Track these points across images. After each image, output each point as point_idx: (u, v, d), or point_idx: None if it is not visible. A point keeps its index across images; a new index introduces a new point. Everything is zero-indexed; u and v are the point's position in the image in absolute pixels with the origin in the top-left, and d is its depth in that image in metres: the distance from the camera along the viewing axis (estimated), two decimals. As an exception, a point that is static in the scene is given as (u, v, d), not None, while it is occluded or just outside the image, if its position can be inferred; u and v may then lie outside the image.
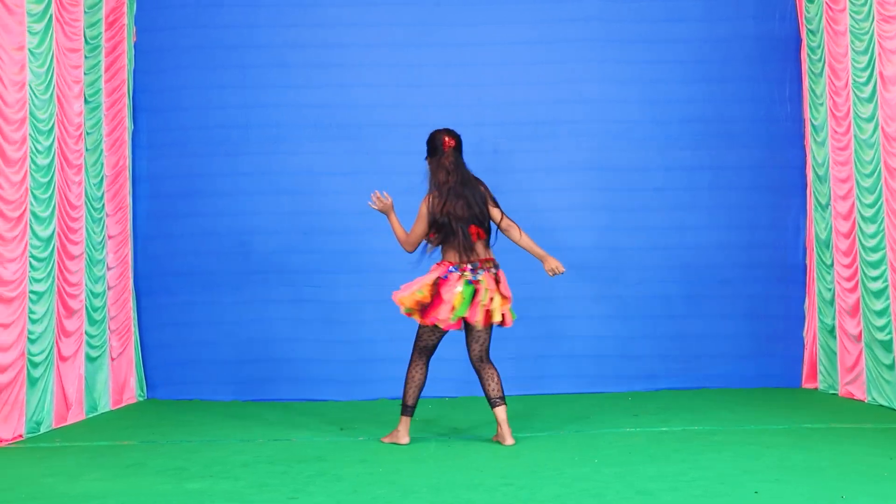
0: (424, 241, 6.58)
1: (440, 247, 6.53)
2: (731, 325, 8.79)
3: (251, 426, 7.29)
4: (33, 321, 6.93)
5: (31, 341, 6.90)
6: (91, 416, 7.76)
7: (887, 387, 7.50)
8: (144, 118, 8.76)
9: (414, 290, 6.41)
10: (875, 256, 7.58)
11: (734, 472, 5.47)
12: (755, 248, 8.82)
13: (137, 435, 6.97)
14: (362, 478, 5.51)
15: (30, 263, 6.90)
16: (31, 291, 6.91)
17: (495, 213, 6.57)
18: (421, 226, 6.51)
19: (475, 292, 6.39)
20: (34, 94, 6.98)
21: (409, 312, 6.46)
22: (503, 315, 6.44)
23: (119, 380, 8.30)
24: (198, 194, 8.74)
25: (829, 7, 8.14)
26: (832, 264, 8.28)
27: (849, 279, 7.98)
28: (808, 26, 8.63)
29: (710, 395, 8.38)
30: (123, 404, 8.34)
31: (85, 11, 7.72)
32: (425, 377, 6.57)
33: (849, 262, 7.98)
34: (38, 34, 7.02)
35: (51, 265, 7.16)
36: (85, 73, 7.75)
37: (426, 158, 6.62)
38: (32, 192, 6.96)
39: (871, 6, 7.47)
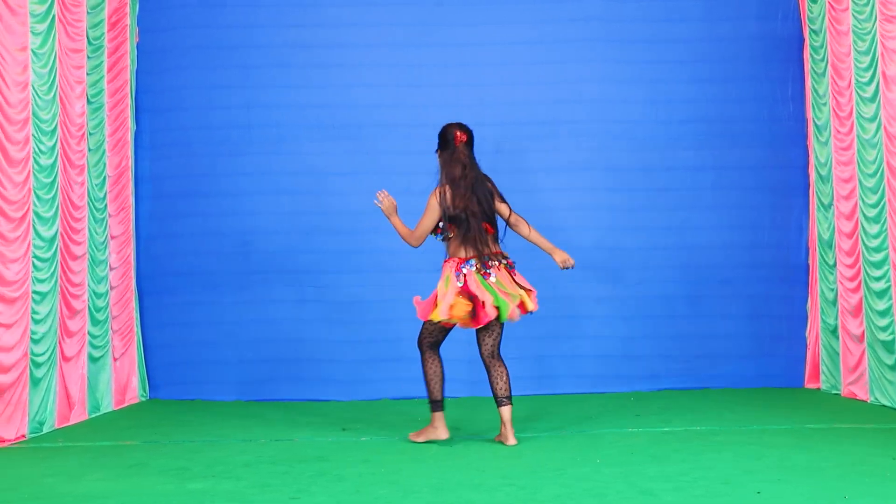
0: (432, 235, 6.52)
1: (446, 242, 6.50)
2: (733, 325, 8.78)
3: (253, 426, 7.29)
4: (36, 321, 6.93)
5: (35, 341, 6.91)
6: (93, 416, 7.77)
7: (890, 387, 7.50)
8: (147, 118, 8.77)
9: (451, 305, 6.27)
10: (878, 256, 7.58)
11: (736, 473, 5.46)
12: (757, 248, 8.81)
13: (140, 435, 6.98)
14: (364, 478, 5.51)
15: (33, 264, 6.90)
16: (35, 292, 6.91)
17: (503, 208, 6.56)
18: (430, 218, 6.46)
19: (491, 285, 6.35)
20: (37, 94, 6.98)
21: (454, 322, 6.37)
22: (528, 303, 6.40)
23: (121, 380, 8.31)
24: (200, 194, 8.75)
25: (832, 7, 8.14)
26: (835, 264, 8.27)
27: (851, 279, 7.97)
28: (811, 26, 8.62)
29: (713, 396, 8.38)
30: (126, 404, 8.34)
31: (87, 12, 7.73)
32: (443, 367, 6.52)
33: (851, 262, 7.97)
34: (41, 35, 7.03)
35: (54, 265, 7.16)
36: (87, 74, 7.75)
37: (436, 151, 6.61)
38: (36, 193, 6.96)
39: (873, 6, 7.46)
